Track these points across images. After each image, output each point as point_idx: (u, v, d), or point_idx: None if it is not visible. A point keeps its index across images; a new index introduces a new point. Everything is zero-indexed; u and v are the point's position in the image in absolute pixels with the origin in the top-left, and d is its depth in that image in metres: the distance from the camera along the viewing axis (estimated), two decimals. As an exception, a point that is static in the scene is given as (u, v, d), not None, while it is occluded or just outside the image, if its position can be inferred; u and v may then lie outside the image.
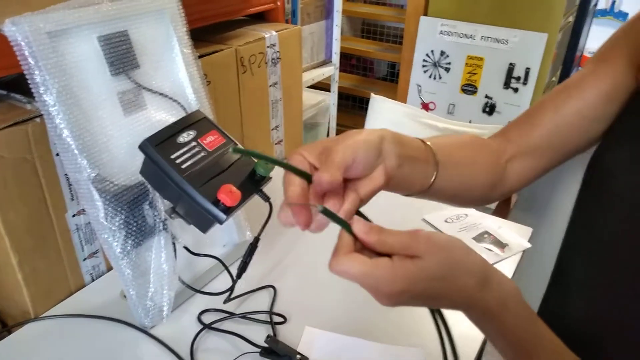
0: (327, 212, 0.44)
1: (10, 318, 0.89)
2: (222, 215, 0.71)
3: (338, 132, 2.19)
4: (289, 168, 0.47)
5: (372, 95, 1.53)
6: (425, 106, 2.38)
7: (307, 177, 0.46)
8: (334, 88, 2.06)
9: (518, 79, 2.10)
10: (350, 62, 3.11)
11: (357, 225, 0.44)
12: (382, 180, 0.48)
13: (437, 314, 0.48)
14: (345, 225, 0.45)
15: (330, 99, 2.05)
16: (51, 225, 0.83)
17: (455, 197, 0.62)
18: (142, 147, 0.72)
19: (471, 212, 1.13)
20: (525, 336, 0.47)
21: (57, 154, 0.80)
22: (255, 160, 0.77)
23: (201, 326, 0.82)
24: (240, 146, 0.47)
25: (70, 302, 0.88)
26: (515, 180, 0.65)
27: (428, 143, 0.56)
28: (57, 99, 0.68)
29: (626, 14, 3.33)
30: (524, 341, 0.47)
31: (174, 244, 0.82)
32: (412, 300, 0.43)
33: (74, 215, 0.86)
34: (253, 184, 0.77)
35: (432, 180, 0.55)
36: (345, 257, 0.43)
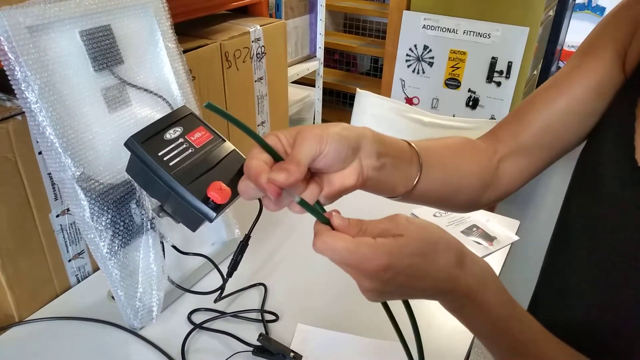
0: (303, 204, 0.43)
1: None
2: (212, 213, 0.70)
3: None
4: (261, 142, 0.45)
5: (358, 90, 1.53)
6: (409, 101, 2.39)
7: (275, 157, 0.45)
8: (319, 83, 2.05)
9: (500, 72, 2.12)
10: (333, 57, 3.10)
11: (337, 220, 0.43)
12: (354, 178, 0.46)
13: (408, 308, 0.47)
14: (324, 218, 0.44)
15: (315, 94, 2.04)
16: (34, 226, 0.81)
17: (441, 200, 0.60)
18: (128, 144, 0.70)
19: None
20: (507, 314, 0.47)
21: (40, 153, 0.77)
22: (245, 158, 0.76)
23: (192, 326, 0.80)
24: (212, 103, 0.45)
25: (56, 304, 0.86)
26: (508, 182, 0.64)
27: (412, 144, 0.54)
28: (39, 96, 0.66)
29: (603, 8, 3.38)
30: (508, 320, 0.47)
31: (162, 243, 0.81)
32: (394, 281, 0.41)
33: (58, 216, 0.83)
34: (243, 180, 0.76)
35: (415, 181, 0.53)
36: (329, 234, 0.42)
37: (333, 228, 0.43)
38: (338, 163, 0.45)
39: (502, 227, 1.06)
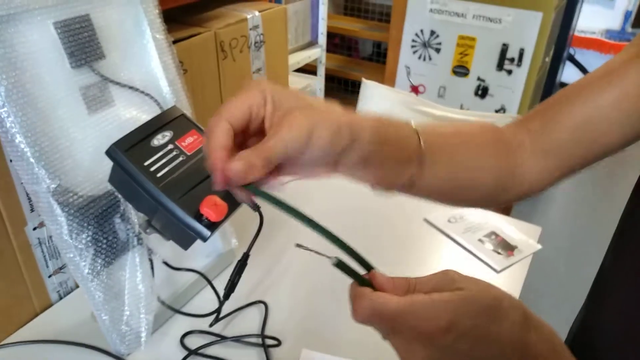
0: (341, 265, 0.38)
1: (-33, 343, 0.79)
2: (205, 232, 0.61)
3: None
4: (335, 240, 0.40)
5: (364, 80, 1.43)
6: (415, 89, 2.29)
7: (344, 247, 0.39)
8: (321, 71, 1.95)
9: (512, 60, 2.02)
10: (333, 41, 2.99)
11: (381, 278, 0.36)
12: (330, 173, 0.41)
13: None
14: (364, 280, 0.38)
15: (317, 84, 1.94)
16: (8, 240, 0.72)
17: (447, 197, 0.53)
18: (110, 152, 0.62)
19: (474, 210, 1.05)
20: None
21: (12, 160, 0.69)
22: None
23: (184, 352, 0.73)
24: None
25: (35, 324, 0.78)
26: (533, 182, 0.54)
27: (420, 137, 0.46)
28: (5, 99, 0.58)
29: (615, -8, 3.26)
30: None
31: (150, 260, 0.72)
32: (456, 347, 0.34)
33: (35, 228, 0.75)
34: (241, 192, 0.67)
35: (407, 180, 0.47)
36: (375, 296, 0.35)
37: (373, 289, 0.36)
38: (319, 164, 0.40)
39: (522, 234, 0.98)
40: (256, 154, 0.36)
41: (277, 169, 0.40)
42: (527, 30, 1.95)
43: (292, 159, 0.38)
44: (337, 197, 1.09)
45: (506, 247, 0.94)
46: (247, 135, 0.41)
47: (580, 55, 3.46)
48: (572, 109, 0.52)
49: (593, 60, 3.48)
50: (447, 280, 0.36)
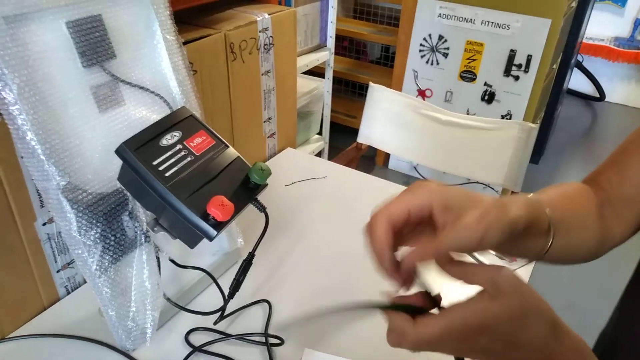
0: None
1: (-24, 336, 0.80)
2: (212, 232, 0.62)
3: (332, 120, 2.09)
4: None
5: (371, 84, 1.44)
6: (422, 93, 2.30)
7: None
8: (329, 74, 1.96)
9: (519, 66, 2.02)
10: (342, 44, 2.99)
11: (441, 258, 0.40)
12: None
13: None
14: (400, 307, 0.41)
15: (325, 86, 1.94)
16: (17, 235, 0.74)
17: (557, 261, 0.52)
18: (120, 151, 0.63)
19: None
20: None
21: (22, 157, 0.70)
22: (250, 166, 0.69)
23: (189, 348, 0.74)
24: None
25: (42, 318, 0.79)
26: (622, 231, 0.55)
27: (547, 212, 0.47)
28: (18, 97, 0.58)
29: (625, 0, 3.25)
30: None
31: (157, 257, 0.73)
32: (488, 349, 0.38)
33: (44, 224, 0.76)
34: (247, 192, 0.68)
35: (544, 251, 0.47)
36: (419, 322, 0.38)
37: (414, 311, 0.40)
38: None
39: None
40: (431, 245, 0.39)
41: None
42: (535, 37, 1.95)
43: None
44: (346, 205, 1.10)
45: (510, 252, 0.94)
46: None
47: (589, 62, 3.45)
48: (630, 165, 0.53)
49: (601, 68, 3.47)
50: (499, 277, 0.38)
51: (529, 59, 1.99)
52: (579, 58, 3.39)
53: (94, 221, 0.66)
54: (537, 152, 2.74)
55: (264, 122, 1.25)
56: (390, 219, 0.41)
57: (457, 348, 0.39)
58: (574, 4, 2.25)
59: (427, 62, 2.22)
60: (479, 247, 0.39)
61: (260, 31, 1.13)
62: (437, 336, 0.37)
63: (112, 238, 0.68)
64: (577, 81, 3.51)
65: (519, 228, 0.41)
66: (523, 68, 2.01)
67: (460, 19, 2.07)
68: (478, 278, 0.39)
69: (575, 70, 3.36)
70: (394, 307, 0.40)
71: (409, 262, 0.40)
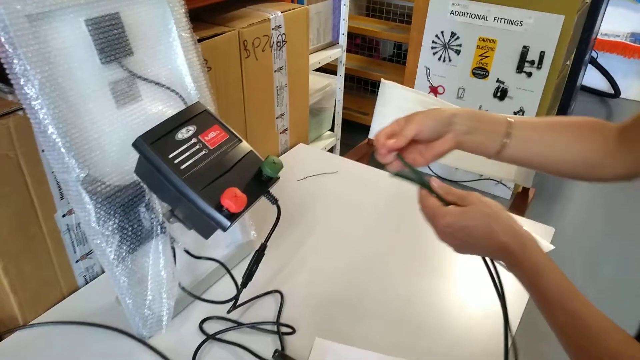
0: (400, 157, 0.63)
1: (0, 323, 0.83)
2: (225, 222, 0.64)
3: (344, 117, 2.10)
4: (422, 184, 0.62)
5: (383, 80, 1.45)
6: (434, 90, 2.30)
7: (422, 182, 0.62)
8: (341, 71, 1.97)
9: (532, 62, 2.01)
10: (354, 41, 3.00)
11: (435, 182, 0.61)
12: (448, 144, 0.63)
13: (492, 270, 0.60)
14: (426, 184, 0.61)
15: (337, 83, 1.95)
16: (39, 226, 0.76)
17: (539, 167, 0.68)
18: (137, 144, 0.65)
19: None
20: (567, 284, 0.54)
21: (44, 150, 0.72)
22: (262, 159, 0.70)
23: (203, 336, 0.76)
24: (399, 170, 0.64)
25: (62, 307, 0.82)
26: (620, 168, 0.63)
27: (512, 119, 0.64)
28: (39, 91, 0.61)
29: (641, -6, 3.20)
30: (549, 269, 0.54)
31: (173, 247, 0.76)
32: (454, 235, 0.58)
33: (64, 215, 0.79)
34: (259, 185, 0.70)
35: (499, 147, 0.64)
36: (428, 198, 0.60)
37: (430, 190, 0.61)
38: (434, 136, 0.63)
39: (535, 235, 0.98)
40: (398, 135, 0.62)
41: (414, 146, 0.64)
42: (548, 33, 1.94)
43: (420, 137, 0.62)
44: (359, 199, 1.12)
45: (519, 246, 0.95)
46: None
47: (603, 58, 3.41)
48: None
49: (616, 64, 3.43)
50: (468, 196, 0.59)
51: (541, 56, 1.98)
52: (594, 54, 3.36)
53: (112, 212, 0.68)
54: (551, 149, 2.72)
55: (277, 118, 1.27)
56: (384, 130, 0.64)
57: (434, 226, 0.59)
58: (588, 0, 2.24)
59: (439, 59, 2.22)
60: (422, 130, 0.61)
61: (273, 29, 1.15)
62: (445, 225, 0.57)
63: (129, 229, 0.70)
64: (591, 78, 3.47)
65: (457, 118, 0.62)
66: (536, 64, 2.01)
67: (473, 15, 2.07)
68: (454, 194, 0.60)
69: (590, 66, 3.32)
70: (435, 194, 0.60)
71: (385, 145, 0.62)
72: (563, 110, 2.62)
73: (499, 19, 2.01)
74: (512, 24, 2.00)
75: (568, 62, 2.35)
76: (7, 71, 0.59)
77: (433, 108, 0.63)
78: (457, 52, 2.17)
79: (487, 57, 2.10)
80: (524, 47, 2.00)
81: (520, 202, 1.29)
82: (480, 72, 2.14)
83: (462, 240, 0.57)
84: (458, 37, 2.14)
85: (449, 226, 0.57)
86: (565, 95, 2.55)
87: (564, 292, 0.52)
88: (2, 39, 0.57)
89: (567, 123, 0.66)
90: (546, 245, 0.96)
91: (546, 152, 0.65)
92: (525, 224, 1.02)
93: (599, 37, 3.04)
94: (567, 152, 0.65)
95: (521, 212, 1.18)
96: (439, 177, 2.47)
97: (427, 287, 0.87)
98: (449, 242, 0.58)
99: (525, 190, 1.34)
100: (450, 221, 0.56)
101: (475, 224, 0.55)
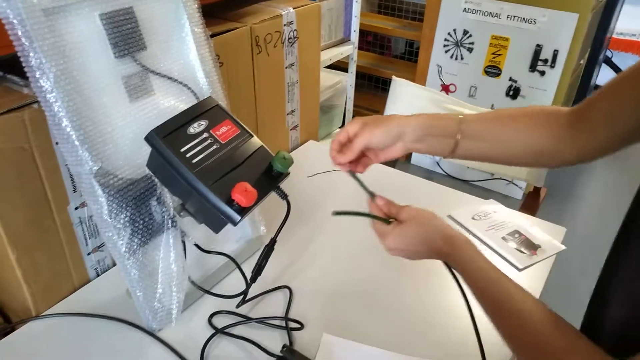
0: (352, 174, 0.69)
1: (13, 313, 0.84)
2: (236, 216, 0.65)
3: (355, 114, 2.10)
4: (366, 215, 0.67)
5: (394, 78, 1.44)
6: (446, 88, 2.29)
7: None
8: (352, 68, 1.97)
9: (545, 61, 2.00)
10: (366, 39, 2.99)
11: (380, 201, 0.68)
12: (400, 151, 0.66)
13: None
14: (370, 192, 0.69)
15: (348, 80, 1.95)
16: (52, 219, 0.77)
17: (491, 161, 0.69)
18: (149, 138, 0.66)
19: (500, 208, 1.06)
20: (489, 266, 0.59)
21: (58, 143, 0.73)
22: (273, 155, 0.71)
23: (212, 330, 0.76)
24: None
25: (73, 298, 0.83)
26: (579, 153, 0.63)
27: (462, 119, 0.66)
28: (54, 85, 0.62)
29: (658, -7, 3.16)
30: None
31: (183, 241, 0.76)
32: (400, 250, 0.64)
33: (76, 208, 0.80)
34: (270, 180, 0.70)
35: (452, 148, 0.66)
36: (374, 222, 0.67)
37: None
38: (383, 146, 0.66)
39: (546, 234, 0.98)
40: (347, 148, 0.66)
41: (365, 155, 0.69)
42: (562, 32, 1.92)
43: (370, 146, 0.66)
44: (379, 192, 1.11)
45: (529, 246, 0.94)
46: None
47: (618, 58, 3.37)
48: (621, 94, 0.60)
49: (632, 64, 3.38)
50: (404, 212, 0.65)
51: (555, 54, 1.96)
52: (608, 53, 3.32)
53: (124, 205, 0.69)
54: (563, 149, 2.70)
55: (287, 114, 1.27)
56: (338, 139, 0.68)
57: (401, 250, 0.64)
58: (603, -2, 2.21)
59: (451, 56, 2.21)
60: (372, 142, 0.65)
61: (285, 25, 1.15)
62: (390, 244, 0.64)
63: (141, 222, 0.71)
64: (605, 77, 3.43)
65: (407, 129, 0.65)
66: (549, 63, 1.99)
67: (486, 13, 2.05)
68: (394, 213, 0.66)
69: (604, 66, 3.28)
70: (377, 217, 0.66)
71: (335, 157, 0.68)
72: (576, 109, 2.60)
73: (512, 17, 2.00)
74: (525, 22, 1.98)
75: (582, 61, 2.32)
76: (23, 64, 0.60)
77: (385, 117, 0.66)
78: (470, 50, 2.15)
79: (499, 55, 2.09)
80: (538, 45, 1.99)
81: (531, 201, 1.29)
82: (493, 70, 2.13)
83: (407, 252, 0.64)
84: (470, 35, 2.13)
85: (393, 244, 0.63)
86: (578, 95, 2.52)
87: (487, 282, 0.58)
88: (19, 33, 0.58)
89: (517, 114, 0.68)
90: (557, 246, 0.95)
91: (494, 145, 0.67)
92: (536, 224, 1.02)
93: (614, 36, 3.00)
94: (514, 143, 0.66)
95: (532, 211, 1.17)
96: (449, 175, 2.46)
97: (438, 286, 0.87)
98: (398, 255, 0.65)
99: (537, 190, 1.33)
100: (393, 239, 0.63)
101: (414, 236, 0.63)
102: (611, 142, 0.60)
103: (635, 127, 0.57)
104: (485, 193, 2.33)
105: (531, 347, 0.53)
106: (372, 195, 0.68)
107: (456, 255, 0.60)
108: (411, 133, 0.65)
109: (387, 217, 0.66)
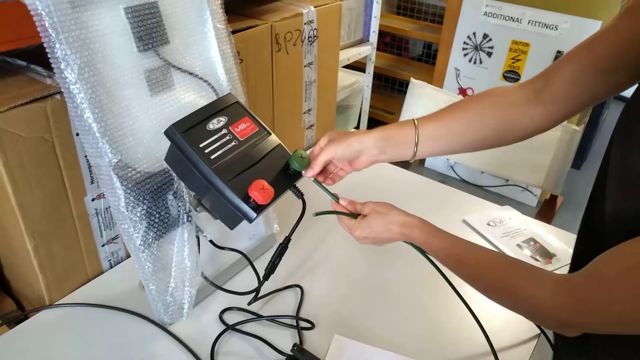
0: (316, 182, 0.73)
1: (27, 301, 0.85)
2: (252, 214, 0.65)
3: (370, 115, 2.10)
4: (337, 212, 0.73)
5: (412, 79, 1.44)
6: (463, 92, 2.27)
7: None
8: (370, 69, 1.96)
9: (565, 68, 1.97)
10: (384, 40, 2.98)
11: (343, 202, 0.73)
12: (365, 164, 0.73)
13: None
14: (332, 196, 0.73)
15: (365, 81, 1.95)
16: (69, 209, 0.78)
17: (457, 152, 0.74)
18: (169, 133, 0.66)
19: (515, 215, 1.05)
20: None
21: (78, 134, 0.74)
22: (290, 153, 0.71)
23: (223, 326, 0.76)
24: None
25: (87, 289, 0.84)
26: (537, 124, 0.69)
27: (417, 127, 0.71)
28: (78, 76, 0.62)
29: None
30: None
31: (197, 237, 0.76)
32: (367, 239, 0.71)
33: (93, 199, 0.80)
34: (286, 178, 0.70)
35: (412, 154, 0.72)
36: (342, 218, 0.72)
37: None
38: (347, 160, 0.73)
39: (562, 243, 0.97)
40: (313, 163, 0.71)
41: (330, 167, 0.76)
42: (583, 38, 1.89)
43: (335, 161, 0.73)
44: (382, 198, 1.11)
45: (544, 255, 0.93)
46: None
47: (640, 67, 3.32)
48: (563, 71, 0.65)
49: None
50: (366, 208, 0.71)
51: (576, 62, 1.94)
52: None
53: (141, 198, 0.69)
54: (580, 158, 2.66)
55: (304, 113, 1.27)
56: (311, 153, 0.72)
57: (369, 239, 0.70)
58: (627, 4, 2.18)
59: (470, 60, 2.20)
60: (335, 157, 0.70)
61: (305, 23, 1.15)
62: (358, 235, 0.70)
63: (157, 215, 0.71)
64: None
65: (367, 143, 0.70)
66: (569, 70, 1.96)
67: (507, 17, 2.03)
68: (358, 209, 0.72)
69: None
70: (347, 214, 0.72)
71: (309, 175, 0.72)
72: (595, 118, 2.57)
73: (534, 22, 1.98)
74: (547, 27, 1.96)
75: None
76: (49, 55, 0.60)
77: (348, 133, 0.72)
78: (489, 54, 2.14)
79: (519, 60, 2.07)
80: (558, 52, 1.97)
81: (547, 209, 1.27)
82: (512, 75, 2.11)
83: (373, 240, 0.71)
84: (490, 39, 2.11)
85: (361, 234, 0.70)
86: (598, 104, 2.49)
87: (445, 247, 0.66)
88: (47, 24, 0.58)
89: (466, 104, 0.72)
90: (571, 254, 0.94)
91: (451, 140, 0.72)
92: (552, 232, 1.01)
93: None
94: (468, 133, 0.71)
95: (548, 219, 1.16)
96: (463, 180, 2.44)
97: (451, 290, 0.86)
98: (368, 243, 0.71)
99: (554, 198, 1.31)
100: (361, 231, 0.70)
101: (377, 225, 0.69)
102: (577, 105, 0.66)
103: (600, 90, 0.63)
104: (499, 199, 2.31)
105: (494, 283, 0.63)
106: (335, 197, 0.73)
107: (414, 234, 0.68)
108: (372, 147, 0.71)
109: (352, 213, 0.72)
